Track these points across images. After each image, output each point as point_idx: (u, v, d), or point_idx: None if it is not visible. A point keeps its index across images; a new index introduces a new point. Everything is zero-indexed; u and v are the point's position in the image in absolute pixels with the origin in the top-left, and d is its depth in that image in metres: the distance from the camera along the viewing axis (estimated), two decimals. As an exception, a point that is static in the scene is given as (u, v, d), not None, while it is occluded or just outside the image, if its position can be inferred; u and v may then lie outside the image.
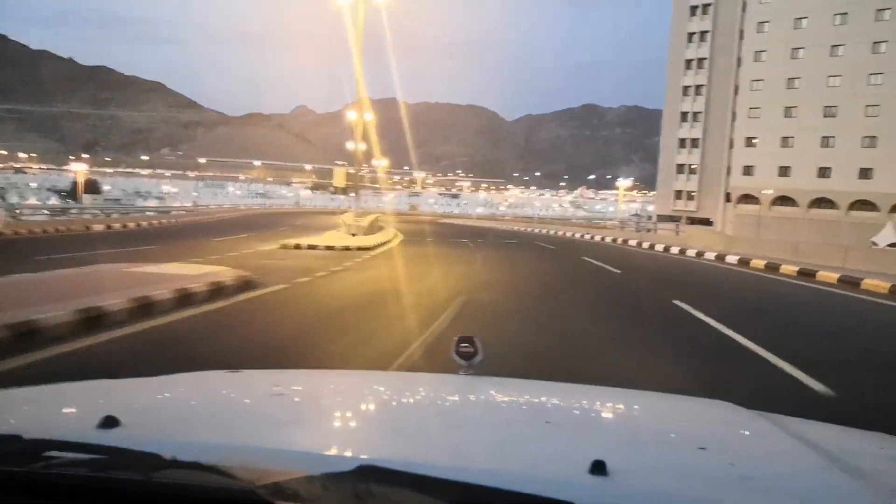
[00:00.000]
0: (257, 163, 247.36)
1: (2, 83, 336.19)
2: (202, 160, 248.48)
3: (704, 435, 1.58)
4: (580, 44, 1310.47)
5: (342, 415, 1.64)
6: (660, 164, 78.45)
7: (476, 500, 0.86)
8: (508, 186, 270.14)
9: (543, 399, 1.90)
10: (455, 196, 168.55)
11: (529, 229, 51.00)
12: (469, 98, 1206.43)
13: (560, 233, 45.35)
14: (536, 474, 1.09)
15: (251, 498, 0.89)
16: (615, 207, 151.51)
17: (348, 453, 1.06)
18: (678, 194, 74.68)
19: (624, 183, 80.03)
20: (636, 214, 57.56)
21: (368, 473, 0.90)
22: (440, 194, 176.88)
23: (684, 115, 74.39)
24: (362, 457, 0.93)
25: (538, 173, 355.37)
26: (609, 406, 1.87)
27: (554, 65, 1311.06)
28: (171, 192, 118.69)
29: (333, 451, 1.14)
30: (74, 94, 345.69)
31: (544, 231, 48.48)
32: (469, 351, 2.02)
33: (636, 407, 1.88)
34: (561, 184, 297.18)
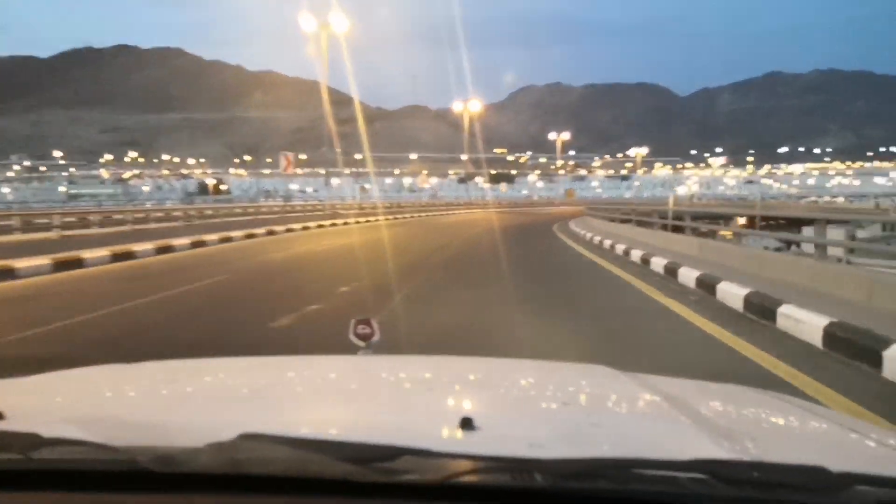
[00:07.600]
0: (413, 156, 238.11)
1: (179, 93, 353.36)
2: (358, 156, 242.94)
3: (570, 394, 1.72)
4: (760, 9, 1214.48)
5: (231, 396, 1.65)
6: None
7: (346, 455, 0.89)
8: (686, 164, 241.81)
9: (430, 371, 1.94)
10: (625, 178, 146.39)
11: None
12: (638, 76, 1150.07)
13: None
14: (410, 432, 1.16)
15: (132, 468, 0.90)
16: (836, 181, 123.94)
17: (232, 427, 1.10)
18: None
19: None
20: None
21: (248, 439, 0.92)
22: (607, 177, 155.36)
23: None
24: (245, 429, 0.96)
25: (719, 150, 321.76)
26: (490, 373, 1.93)
27: (732, 34, 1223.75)
28: (297, 189, 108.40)
29: (217, 426, 1.15)
30: (241, 99, 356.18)
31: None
32: (366, 332, 2.07)
33: (516, 374, 1.95)
34: (748, 159, 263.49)
